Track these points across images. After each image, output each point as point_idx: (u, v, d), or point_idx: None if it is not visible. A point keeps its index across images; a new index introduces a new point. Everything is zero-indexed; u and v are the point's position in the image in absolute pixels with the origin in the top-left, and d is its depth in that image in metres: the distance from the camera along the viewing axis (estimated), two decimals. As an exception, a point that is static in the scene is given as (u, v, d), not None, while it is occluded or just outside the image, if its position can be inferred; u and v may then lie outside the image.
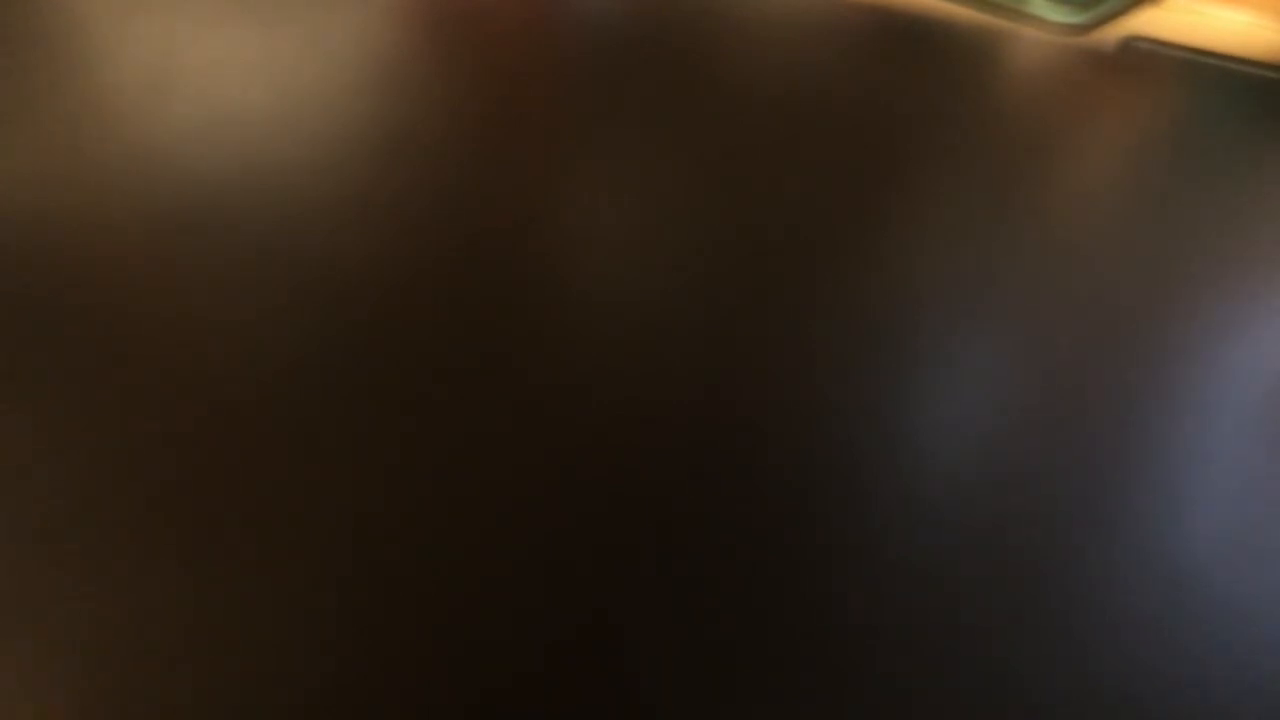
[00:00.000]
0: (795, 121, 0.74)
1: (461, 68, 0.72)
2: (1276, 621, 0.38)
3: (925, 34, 0.97)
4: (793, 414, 0.44)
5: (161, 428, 0.37)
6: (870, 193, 0.65)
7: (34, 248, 0.45)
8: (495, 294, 0.48)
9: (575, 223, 0.55)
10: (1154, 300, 0.59)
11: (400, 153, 0.59)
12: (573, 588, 0.34)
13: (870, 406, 0.45)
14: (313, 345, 0.43)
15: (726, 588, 0.35)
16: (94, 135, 0.55)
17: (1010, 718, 0.32)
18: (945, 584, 0.37)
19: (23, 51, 0.62)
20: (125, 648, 0.30)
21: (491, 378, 0.43)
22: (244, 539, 0.33)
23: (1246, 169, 0.81)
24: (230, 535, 0.34)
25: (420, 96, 0.66)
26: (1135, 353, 0.53)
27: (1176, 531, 0.41)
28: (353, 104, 0.63)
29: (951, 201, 0.66)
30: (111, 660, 0.29)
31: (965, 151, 0.74)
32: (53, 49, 0.63)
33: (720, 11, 0.94)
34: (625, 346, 0.46)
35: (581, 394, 0.43)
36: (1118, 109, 0.87)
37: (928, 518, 0.40)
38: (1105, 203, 0.70)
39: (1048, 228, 0.65)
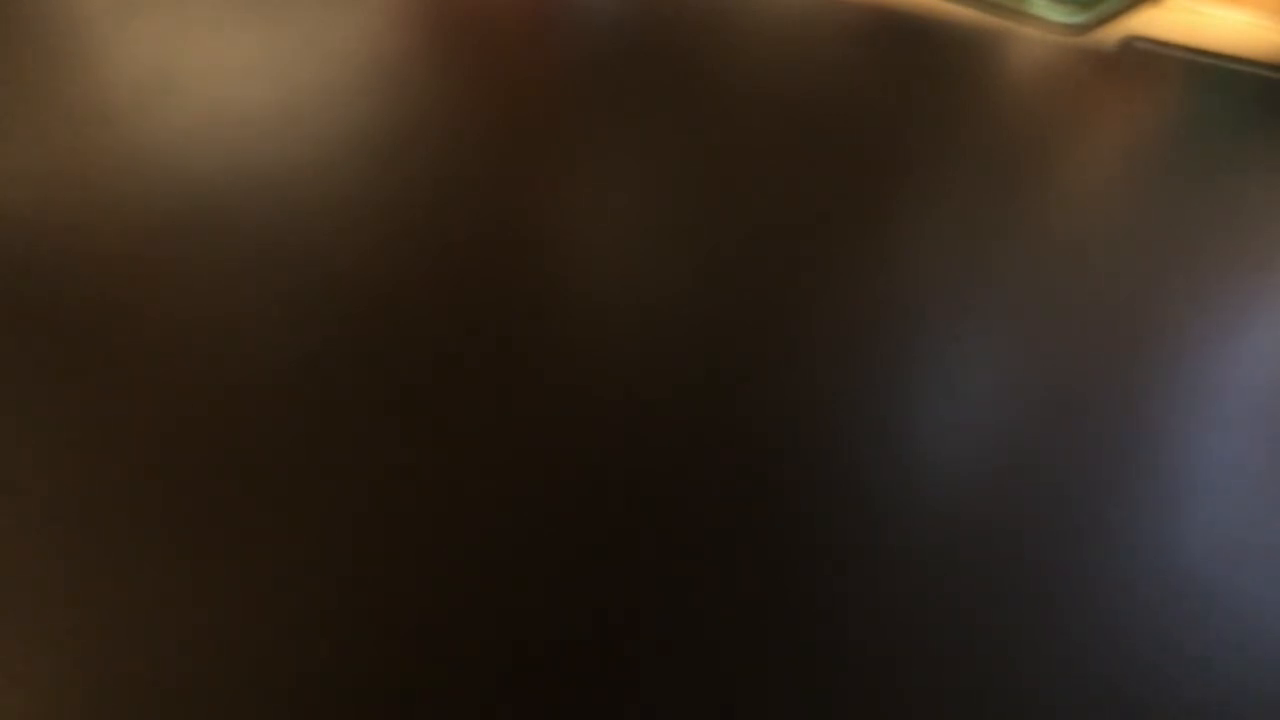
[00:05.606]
0: (796, 121, 0.74)
1: (462, 67, 0.72)
2: (1277, 621, 0.38)
3: (925, 34, 0.97)
4: (793, 412, 0.44)
5: (162, 426, 0.37)
6: (870, 192, 0.65)
7: (34, 246, 0.46)
8: (496, 293, 0.48)
9: (575, 222, 0.55)
10: (1154, 299, 0.59)
11: (401, 152, 0.59)
12: (572, 586, 0.34)
13: (871, 404, 0.45)
14: (314, 344, 0.43)
15: (726, 586, 0.35)
16: (94, 135, 0.55)
17: (1010, 716, 0.32)
18: (946, 582, 0.37)
19: (23, 51, 0.62)
20: (126, 644, 0.30)
21: (493, 376, 0.43)
22: (244, 536, 0.33)
23: (1246, 169, 0.81)
24: (231, 532, 0.34)
25: (421, 96, 0.66)
26: (1136, 352, 0.53)
27: (1178, 530, 0.41)
28: (353, 104, 0.63)
29: (951, 201, 0.66)
30: (112, 657, 0.29)
31: (965, 151, 0.74)
32: (53, 49, 0.63)
33: (721, 11, 0.94)
34: (627, 345, 0.46)
35: (581, 392, 0.43)
36: (1118, 109, 0.87)
37: (928, 516, 0.40)
38: (1105, 202, 0.70)
39: (1048, 227, 0.65)
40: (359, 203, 0.53)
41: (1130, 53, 1.01)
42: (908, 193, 0.66)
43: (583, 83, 0.73)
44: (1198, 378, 0.52)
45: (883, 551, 0.38)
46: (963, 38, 0.98)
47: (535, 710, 0.30)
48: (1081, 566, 0.39)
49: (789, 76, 0.82)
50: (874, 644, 0.34)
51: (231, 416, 0.38)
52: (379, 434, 0.39)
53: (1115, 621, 0.36)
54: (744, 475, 0.40)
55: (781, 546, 0.37)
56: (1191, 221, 0.70)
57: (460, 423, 0.40)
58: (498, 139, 0.63)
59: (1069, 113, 0.84)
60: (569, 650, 0.32)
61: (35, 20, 0.66)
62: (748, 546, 0.37)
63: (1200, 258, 0.65)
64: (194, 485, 0.35)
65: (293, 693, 0.29)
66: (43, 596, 0.31)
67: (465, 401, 0.41)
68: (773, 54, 0.86)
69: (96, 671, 0.29)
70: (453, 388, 0.42)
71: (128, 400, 0.38)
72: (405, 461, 0.38)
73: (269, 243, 0.49)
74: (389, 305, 0.46)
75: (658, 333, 0.48)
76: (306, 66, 0.67)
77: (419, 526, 0.35)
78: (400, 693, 0.30)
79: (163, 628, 0.30)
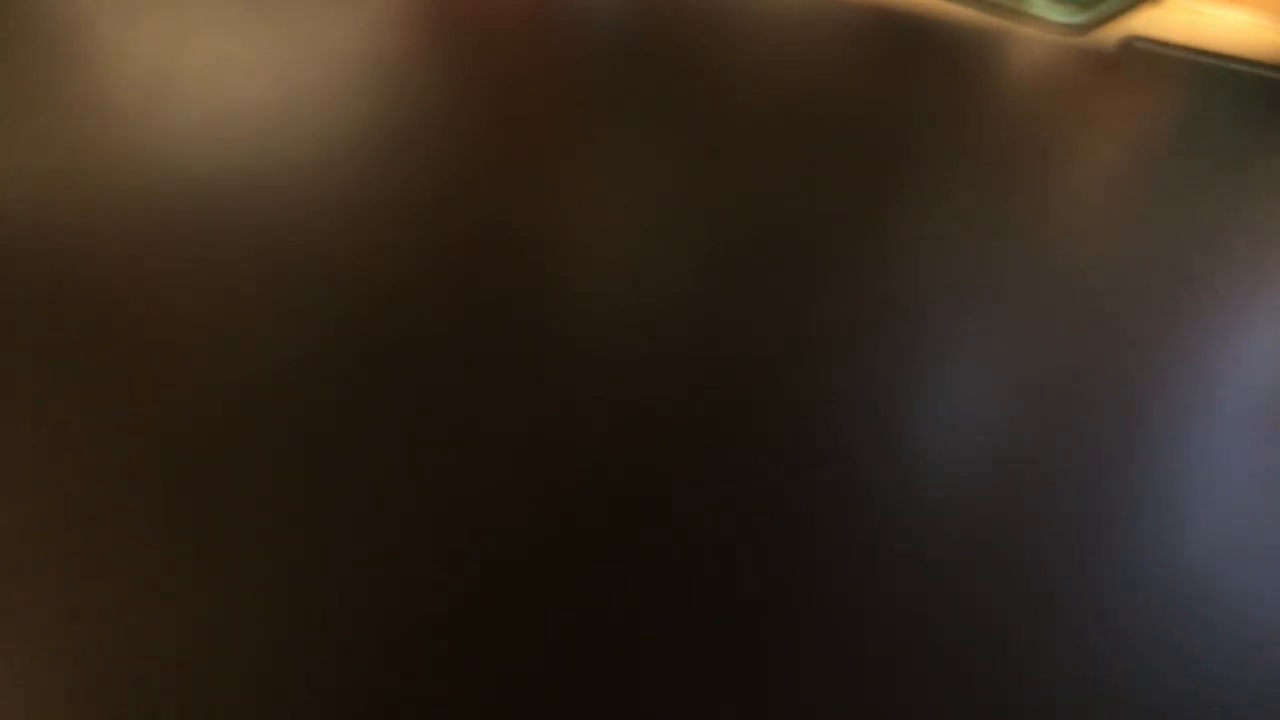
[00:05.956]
0: (795, 121, 0.74)
1: (462, 67, 0.72)
2: (1277, 621, 0.38)
3: (925, 34, 0.97)
4: (793, 413, 0.44)
5: (163, 425, 0.37)
6: (870, 192, 0.65)
7: (34, 246, 0.46)
8: (496, 293, 0.48)
9: (575, 222, 0.55)
10: (1155, 299, 0.59)
11: (401, 152, 0.59)
12: (571, 586, 0.34)
13: (871, 405, 0.45)
14: (314, 344, 0.43)
15: (724, 586, 0.35)
16: (94, 135, 0.55)
17: (1010, 716, 0.32)
18: (946, 583, 0.37)
19: (23, 51, 0.62)
20: (126, 645, 0.30)
21: (493, 376, 0.43)
22: (245, 536, 0.33)
23: (1246, 169, 0.81)
24: (231, 531, 0.34)
25: (421, 96, 0.66)
26: (1136, 352, 0.53)
27: (1178, 530, 0.41)
28: (353, 103, 0.63)
29: (951, 201, 0.66)
30: (112, 657, 0.29)
31: (965, 151, 0.74)
32: (54, 49, 0.63)
33: (721, 11, 0.94)
34: (626, 345, 0.46)
35: (580, 391, 0.43)
36: (1118, 109, 0.87)
37: (928, 517, 0.40)
38: (1105, 202, 0.70)
39: (1048, 227, 0.65)
40: (359, 203, 0.53)
41: (1130, 53, 1.01)
42: (908, 193, 0.66)
43: (583, 83, 0.73)
44: (1198, 378, 0.52)
45: (883, 551, 0.38)
46: (963, 38, 0.98)
47: (535, 710, 0.30)
48: (1081, 566, 0.39)
49: (789, 76, 0.82)
50: (874, 644, 0.34)
51: (232, 416, 0.38)
52: (379, 434, 0.39)
53: (1115, 621, 0.36)
54: (744, 475, 0.40)
55: (781, 546, 0.37)
56: (1192, 221, 0.70)
57: (460, 422, 0.40)
58: (498, 139, 0.63)
59: (1069, 113, 0.84)
60: (569, 650, 0.32)
61: (36, 20, 0.66)
62: (748, 546, 0.37)
63: (1200, 258, 0.65)
64: (194, 485, 0.35)
65: (293, 693, 0.29)
66: (43, 597, 0.31)
67: (465, 401, 0.41)
68: (773, 54, 0.86)
69: (97, 671, 0.29)
70: (453, 387, 0.42)
71: (128, 400, 0.38)
72: (405, 461, 0.38)
73: (269, 243, 0.49)
74: (389, 305, 0.46)
75: (658, 332, 0.48)
76: (306, 66, 0.67)
77: (419, 526, 0.35)
78: (400, 692, 0.30)
79: (163, 627, 0.30)
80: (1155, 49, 1.04)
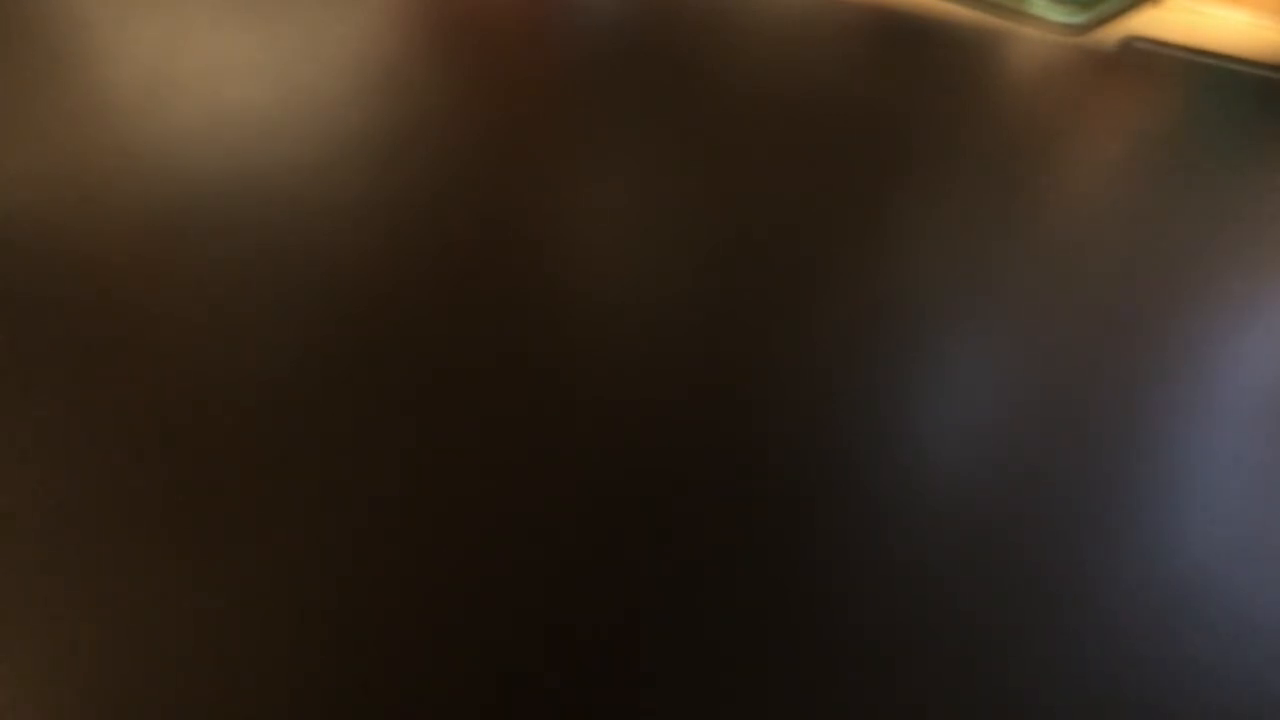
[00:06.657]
0: (795, 120, 0.74)
1: (462, 67, 0.72)
2: (1277, 621, 0.38)
3: (925, 34, 0.97)
4: (794, 413, 0.44)
5: (162, 426, 0.37)
6: (870, 192, 0.65)
7: (35, 246, 0.46)
8: (496, 293, 0.48)
9: (576, 222, 0.55)
10: (1154, 300, 0.59)
11: (401, 152, 0.59)
12: (573, 587, 0.34)
13: (871, 406, 0.45)
14: (315, 344, 0.43)
15: (726, 586, 0.35)
16: (94, 135, 0.55)
17: (1010, 716, 0.32)
18: (945, 583, 0.37)
19: (24, 51, 0.62)
20: (125, 648, 0.30)
21: (493, 376, 0.43)
22: (244, 538, 0.33)
23: (1246, 169, 0.81)
24: (231, 534, 0.34)
25: (421, 97, 0.66)
26: (1137, 352, 0.53)
27: (1178, 530, 0.41)
28: (353, 104, 0.63)
29: (951, 201, 0.66)
30: (111, 657, 0.29)
31: (965, 151, 0.74)
32: (54, 49, 0.63)
33: (721, 11, 0.94)
34: (626, 345, 0.46)
35: (581, 391, 0.43)
36: (1118, 109, 0.87)
37: (928, 517, 0.40)
38: (1105, 202, 0.70)
39: (1048, 227, 0.65)
40: (359, 203, 0.53)
41: (1130, 53, 1.01)
42: (908, 193, 0.66)
43: (583, 83, 0.73)
44: (1198, 377, 0.52)
45: (883, 552, 0.38)
46: (963, 38, 0.98)
47: (535, 710, 0.30)
48: (1081, 566, 0.39)
49: (789, 76, 0.82)
50: (874, 644, 0.34)
51: (231, 416, 0.38)
52: (379, 433, 0.39)
53: (1115, 621, 0.36)
54: (744, 475, 0.40)
55: (781, 547, 0.37)
56: (1191, 221, 0.70)
57: (460, 423, 0.40)
58: (498, 139, 0.63)
59: (1069, 113, 0.84)
60: (569, 650, 0.32)
61: (36, 20, 0.66)
62: (748, 547, 0.37)
63: (1200, 258, 0.65)
64: (194, 484, 0.35)
65: (292, 693, 0.29)
66: (43, 597, 0.31)
67: (465, 402, 0.41)
68: (773, 54, 0.86)
69: (94, 671, 0.29)
70: (453, 388, 0.42)
71: (128, 399, 0.38)
72: (405, 461, 0.38)
73: (269, 243, 0.49)
74: (389, 305, 0.46)
75: (658, 333, 0.48)
76: (307, 66, 0.67)
77: (419, 526, 0.35)
78: (400, 693, 0.30)
79: (161, 628, 0.30)
80: (1155, 49, 1.04)
